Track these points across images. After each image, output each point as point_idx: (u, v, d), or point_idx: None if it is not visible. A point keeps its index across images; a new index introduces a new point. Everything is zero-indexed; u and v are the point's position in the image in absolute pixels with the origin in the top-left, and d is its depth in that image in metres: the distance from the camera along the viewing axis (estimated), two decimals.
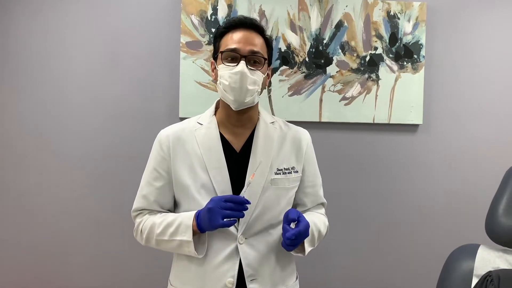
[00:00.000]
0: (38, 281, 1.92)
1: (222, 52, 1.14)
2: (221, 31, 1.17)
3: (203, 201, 1.13)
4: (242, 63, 1.11)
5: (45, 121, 1.91)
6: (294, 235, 1.03)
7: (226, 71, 1.13)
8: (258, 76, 1.14)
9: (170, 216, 1.14)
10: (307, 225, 1.08)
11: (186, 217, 1.11)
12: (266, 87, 1.91)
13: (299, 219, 1.08)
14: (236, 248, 1.13)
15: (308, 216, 1.17)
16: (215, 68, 1.19)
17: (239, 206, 1.05)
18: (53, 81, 1.90)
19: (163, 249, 1.16)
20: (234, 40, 1.13)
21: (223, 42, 1.15)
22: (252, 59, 1.13)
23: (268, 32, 1.93)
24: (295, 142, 1.23)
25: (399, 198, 2.04)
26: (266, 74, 1.18)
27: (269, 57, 1.20)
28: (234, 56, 1.12)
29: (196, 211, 1.11)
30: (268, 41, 1.19)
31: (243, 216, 1.07)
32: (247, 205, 1.07)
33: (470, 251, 1.17)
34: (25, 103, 1.90)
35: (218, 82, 1.16)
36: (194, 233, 1.09)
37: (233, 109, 1.15)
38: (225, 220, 1.05)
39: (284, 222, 1.08)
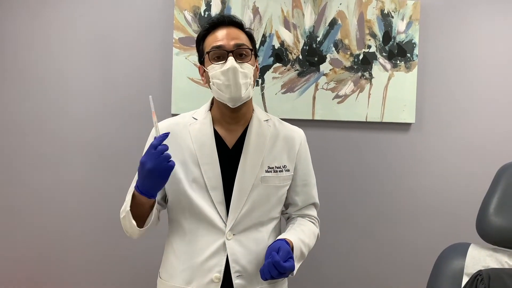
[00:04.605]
0: (36, 279, 1.91)
1: (208, 52, 1.13)
2: (203, 34, 1.18)
3: (194, 196, 1.13)
4: (231, 59, 1.10)
5: (38, 119, 1.89)
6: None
7: (217, 70, 1.12)
8: (248, 68, 1.13)
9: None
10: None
11: (130, 192, 1.11)
12: (256, 80, 1.90)
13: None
14: (224, 244, 1.13)
15: (297, 232, 1.16)
16: (204, 71, 1.18)
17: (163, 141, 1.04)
18: (43, 80, 1.88)
19: (130, 233, 1.13)
20: (217, 38, 1.13)
21: (207, 44, 1.16)
22: (239, 53, 1.13)
23: (262, 29, 1.93)
24: (288, 140, 1.23)
25: (391, 196, 2.04)
26: (255, 66, 1.18)
27: (254, 50, 1.19)
28: (220, 54, 1.12)
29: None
30: (250, 35, 1.19)
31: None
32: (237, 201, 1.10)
33: (460, 250, 1.17)
34: (21, 102, 1.88)
35: (211, 83, 1.15)
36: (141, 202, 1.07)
37: (231, 106, 1.14)
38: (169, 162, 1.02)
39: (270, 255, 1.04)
